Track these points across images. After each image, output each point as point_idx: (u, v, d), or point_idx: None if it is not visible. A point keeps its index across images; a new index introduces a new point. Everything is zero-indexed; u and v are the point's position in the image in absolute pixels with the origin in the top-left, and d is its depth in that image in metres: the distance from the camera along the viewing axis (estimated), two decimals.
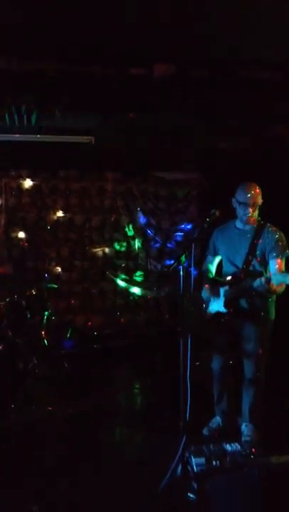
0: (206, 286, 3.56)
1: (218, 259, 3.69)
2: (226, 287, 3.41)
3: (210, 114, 3.91)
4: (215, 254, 3.67)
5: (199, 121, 4.08)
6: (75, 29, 2.50)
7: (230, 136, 4.61)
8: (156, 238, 6.59)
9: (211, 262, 3.69)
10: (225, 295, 3.39)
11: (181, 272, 3.01)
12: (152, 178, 6.56)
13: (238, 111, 3.77)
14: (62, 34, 2.52)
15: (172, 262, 6.72)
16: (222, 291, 3.42)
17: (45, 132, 4.23)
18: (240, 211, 3.42)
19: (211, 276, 3.67)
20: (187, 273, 3.05)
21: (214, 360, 3.63)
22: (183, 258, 2.93)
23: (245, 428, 3.50)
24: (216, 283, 3.57)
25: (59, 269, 6.21)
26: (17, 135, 4.38)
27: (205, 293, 3.59)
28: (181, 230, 6.65)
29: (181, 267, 3.01)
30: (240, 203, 3.39)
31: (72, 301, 6.33)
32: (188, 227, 6.63)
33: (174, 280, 5.63)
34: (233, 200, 3.45)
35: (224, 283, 3.48)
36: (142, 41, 2.63)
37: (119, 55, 2.67)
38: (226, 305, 3.37)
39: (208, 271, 3.67)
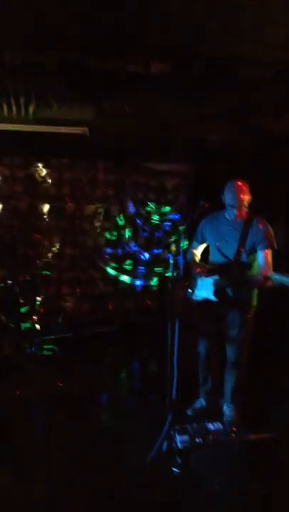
0: (197, 270, 3.64)
1: (202, 246, 3.81)
2: (216, 276, 3.50)
3: (200, 107, 4.01)
4: (202, 242, 3.77)
5: (189, 113, 4.17)
6: (76, 22, 2.59)
7: (219, 127, 4.71)
8: (145, 227, 6.75)
9: (196, 248, 3.80)
10: (215, 284, 3.48)
11: (171, 260, 3.17)
12: (143, 169, 6.69)
13: (227, 104, 3.85)
14: (62, 27, 2.61)
15: (160, 250, 6.86)
16: (212, 279, 3.51)
17: (41, 123, 4.30)
18: (228, 210, 3.54)
19: (197, 260, 3.79)
20: (175, 261, 3.21)
21: (200, 345, 3.80)
22: (173, 247, 3.09)
23: (226, 409, 3.71)
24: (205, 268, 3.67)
25: (50, 256, 6.33)
26: (12, 125, 4.45)
27: (195, 277, 3.68)
28: (170, 220, 6.81)
29: (170, 255, 3.17)
30: (227, 204, 3.51)
31: (62, 288, 6.48)
32: (177, 217, 6.80)
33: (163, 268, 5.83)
34: (222, 197, 3.56)
35: (214, 271, 3.57)
36: (141, 38, 2.74)
37: (117, 49, 2.79)
38: (215, 294, 3.47)
39: (194, 255, 3.78)
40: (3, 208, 6.19)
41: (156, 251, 6.67)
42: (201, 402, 3.88)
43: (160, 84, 3.07)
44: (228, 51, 2.67)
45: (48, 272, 5.70)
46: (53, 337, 5.43)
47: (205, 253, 3.85)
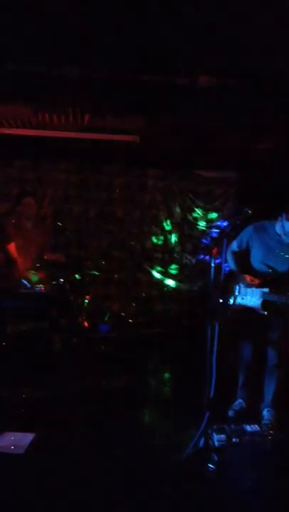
0: (247, 279, 3.64)
1: (241, 252, 3.79)
2: (266, 289, 3.54)
3: (246, 119, 4.12)
4: (244, 249, 3.77)
5: (236, 124, 4.30)
6: (129, 42, 2.80)
7: (266, 137, 4.79)
8: (192, 233, 6.89)
9: (235, 252, 3.79)
10: (264, 297, 3.52)
11: (212, 265, 3.28)
12: (191, 176, 6.86)
13: (273, 115, 3.94)
14: (119, 46, 2.83)
15: (206, 256, 6.96)
16: (260, 291, 3.55)
17: (94, 131, 4.56)
18: (284, 225, 3.53)
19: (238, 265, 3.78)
20: (218, 267, 3.32)
21: (242, 348, 3.86)
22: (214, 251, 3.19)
23: (266, 413, 3.74)
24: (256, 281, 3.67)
25: (99, 258, 6.60)
26: (67, 132, 4.75)
27: (239, 283, 3.71)
28: (217, 227, 6.91)
29: (211, 259, 3.26)
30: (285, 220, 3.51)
31: (110, 289, 6.74)
32: (224, 224, 6.89)
33: (207, 274, 5.91)
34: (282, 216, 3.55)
35: (265, 284, 3.59)
36: (188, 54, 2.91)
37: (168, 65, 2.97)
38: (263, 306, 3.52)
39: (235, 259, 3.77)
40: (57, 211, 6.54)
41: (202, 256, 6.78)
42: (241, 403, 3.92)
43: (211, 100, 3.23)
44: (273, 67, 2.78)
45: (96, 273, 5.96)
46: (99, 335, 5.67)
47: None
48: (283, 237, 3.60)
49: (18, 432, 3.46)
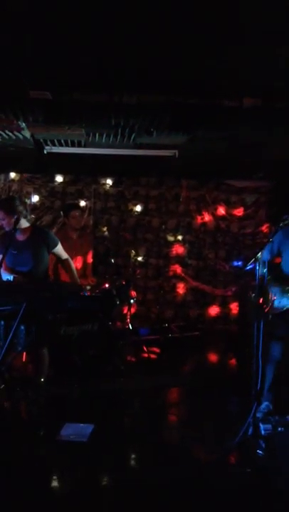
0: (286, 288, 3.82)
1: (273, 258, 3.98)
2: None
3: (280, 131, 4.44)
4: (277, 255, 3.94)
5: (270, 136, 4.60)
6: (179, 69, 3.16)
7: None
8: (225, 241, 7.21)
9: (269, 260, 3.92)
10: None
11: (257, 272, 3.56)
12: (224, 186, 7.19)
13: None
14: (166, 73, 3.20)
15: (239, 263, 7.19)
16: None
17: (137, 147, 4.94)
18: None
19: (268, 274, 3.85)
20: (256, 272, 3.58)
21: (273, 348, 3.93)
22: (258, 256, 3.50)
23: None
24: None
25: (137, 265, 6.97)
26: (111, 149, 5.13)
27: (275, 289, 3.92)
28: (249, 234, 7.22)
29: (256, 266, 3.56)
30: None
31: (148, 295, 7.10)
32: (256, 231, 7.18)
33: (243, 279, 6.20)
34: None
35: None
36: (234, 78, 3.25)
37: (215, 89, 3.33)
38: None
39: (269, 268, 3.84)
40: (97, 222, 6.95)
41: (235, 263, 7.07)
42: (268, 406, 4.02)
43: (250, 116, 3.57)
44: None
45: (135, 280, 6.31)
46: (140, 338, 6.02)
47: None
48: None
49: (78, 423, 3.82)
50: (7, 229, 3.96)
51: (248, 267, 3.77)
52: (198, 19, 2.48)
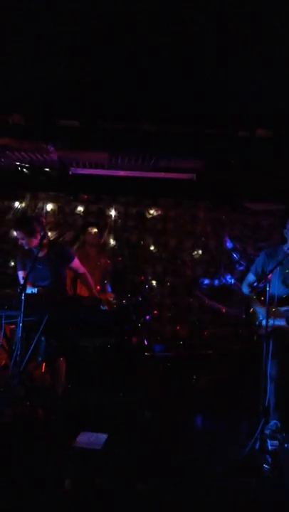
0: (272, 309, 3.85)
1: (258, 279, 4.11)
2: (287, 307, 3.93)
3: None
4: (260, 275, 4.06)
5: (285, 162, 4.82)
6: (199, 104, 3.42)
7: None
8: (241, 262, 7.38)
9: (253, 281, 4.13)
10: (287, 314, 3.90)
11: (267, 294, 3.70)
12: (240, 208, 7.39)
13: None
14: (188, 106, 3.46)
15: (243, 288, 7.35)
16: (283, 310, 3.93)
17: (157, 170, 5.21)
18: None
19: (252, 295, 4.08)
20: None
21: (272, 367, 3.95)
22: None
23: None
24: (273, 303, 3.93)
25: (154, 282, 7.19)
26: (136, 172, 5.42)
27: (261, 311, 4.04)
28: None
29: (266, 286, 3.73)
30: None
31: (163, 312, 7.29)
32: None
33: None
34: (284, 230, 4.02)
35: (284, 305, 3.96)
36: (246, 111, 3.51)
37: (231, 121, 3.59)
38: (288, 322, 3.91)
39: (252, 290, 4.06)
40: (117, 240, 7.22)
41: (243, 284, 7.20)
42: (276, 423, 4.06)
43: (267, 150, 3.81)
44: None
45: (151, 297, 6.52)
46: (155, 354, 6.19)
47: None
48: None
49: (93, 432, 4.00)
50: (26, 247, 4.21)
51: (260, 288, 3.94)
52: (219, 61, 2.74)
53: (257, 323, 3.83)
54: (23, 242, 4.19)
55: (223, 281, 7.42)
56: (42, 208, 7.09)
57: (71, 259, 4.38)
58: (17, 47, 2.90)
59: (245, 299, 3.99)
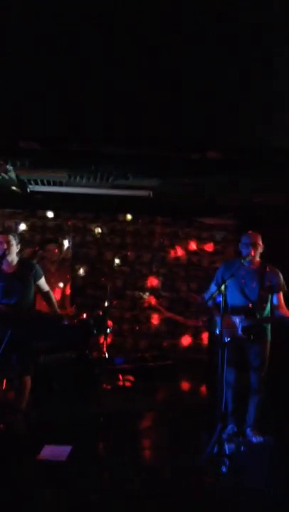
0: (226, 319, 4.07)
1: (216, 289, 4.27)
2: (243, 317, 4.13)
3: (246, 181, 4.96)
4: (219, 285, 4.17)
5: (236, 181, 5.12)
6: (155, 127, 3.65)
7: (263, 192, 5.63)
8: (196, 274, 7.67)
9: (215, 292, 4.18)
10: (242, 323, 4.11)
11: (221, 304, 3.93)
12: (195, 223, 7.70)
13: (271, 176, 4.77)
14: (144, 130, 3.68)
15: (205, 297, 7.66)
16: (238, 319, 4.14)
17: (115, 187, 5.40)
18: (244, 251, 4.21)
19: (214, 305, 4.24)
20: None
21: (228, 374, 4.14)
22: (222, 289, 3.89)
23: (249, 432, 4.26)
24: (231, 313, 4.18)
25: (113, 296, 7.32)
26: (90, 188, 5.57)
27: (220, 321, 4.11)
28: (218, 268, 7.68)
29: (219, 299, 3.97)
30: (244, 244, 4.21)
31: (123, 325, 7.45)
32: (220, 266, 7.64)
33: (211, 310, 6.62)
34: (239, 244, 4.30)
35: (239, 311, 4.17)
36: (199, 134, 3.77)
37: (184, 145, 3.84)
38: (244, 332, 4.10)
39: (213, 299, 4.18)
40: (76, 256, 7.33)
41: (206, 295, 7.49)
42: (233, 428, 4.38)
43: (216, 167, 4.09)
44: (270, 144, 3.65)
45: (111, 310, 6.67)
46: (116, 367, 6.32)
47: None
48: (247, 266, 4.21)
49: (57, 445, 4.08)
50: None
51: (217, 300, 4.16)
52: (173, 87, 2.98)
53: (216, 332, 4.05)
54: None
55: (181, 293, 7.68)
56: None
57: (40, 277, 4.47)
58: None
59: (204, 309, 4.18)
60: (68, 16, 3.26)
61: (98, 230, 7.46)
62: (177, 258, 7.68)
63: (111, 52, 2.80)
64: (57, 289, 6.04)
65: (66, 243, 7.30)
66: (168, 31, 3.34)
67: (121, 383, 6.03)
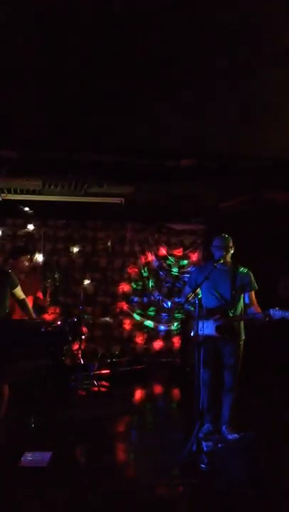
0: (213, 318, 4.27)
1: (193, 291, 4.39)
2: (216, 316, 4.24)
3: (212, 186, 5.16)
4: (195, 288, 4.26)
5: (204, 187, 5.31)
6: (129, 137, 3.77)
7: (230, 197, 5.85)
8: (167, 279, 7.82)
9: (189, 294, 4.31)
10: (216, 323, 4.23)
11: (192, 308, 4.07)
12: (165, 229, 7.86)
13: (237, 182, 4.98)
14: (119, 140, 3.79)
15: (181, 299, 7.81)
16: (212, 319, 4.24)
17: (88, 195, 5.48)
18: (216, 254, 4.34)
19: (192, 307, 4.39)
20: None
21: (203, 373, 4.24)
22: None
23: (225, 429, 4.38)
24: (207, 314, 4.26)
25: (85, 303, 7.35)
26: (63, 197, 5.63)
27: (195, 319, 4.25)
28: (188, 272, 7.87)
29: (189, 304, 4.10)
30: (216, 247, 4.35)
31: (96, 331, 7.49)
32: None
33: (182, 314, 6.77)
34: (211, 246, 4.45)
35: (213, 312, 4.30)
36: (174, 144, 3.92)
37: (157, 152, 3.98)
38: (218, 331, 4.22)
39: (190, 302, 4.27)
40: (46, 263, 7.33)
41: (177, 299, 7.67)
42: (209, 427, 4.48)
43: (190, 175, 4.25)
44: (238, 153, 3.85)
45: (85, 317, 6.71)
46: (91, 373, 6.36)
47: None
48: (219, 267, 4.29)
49: (37, 451, 4.10)
50: None
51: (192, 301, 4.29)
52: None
53: (192, 333, 4.18)
54: None
55: (151, 297, 7.80)
56: None
57: (16, 285, 4.49)
58: None
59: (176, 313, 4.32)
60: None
61: (75, 249, 7.48)
62: (148, 263, 7.80)
63: (88, 63, 2.89)
64: (29, 297, 6.02)
65: (37, 254, 7.30)
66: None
67: (96, 389, 6.06)
